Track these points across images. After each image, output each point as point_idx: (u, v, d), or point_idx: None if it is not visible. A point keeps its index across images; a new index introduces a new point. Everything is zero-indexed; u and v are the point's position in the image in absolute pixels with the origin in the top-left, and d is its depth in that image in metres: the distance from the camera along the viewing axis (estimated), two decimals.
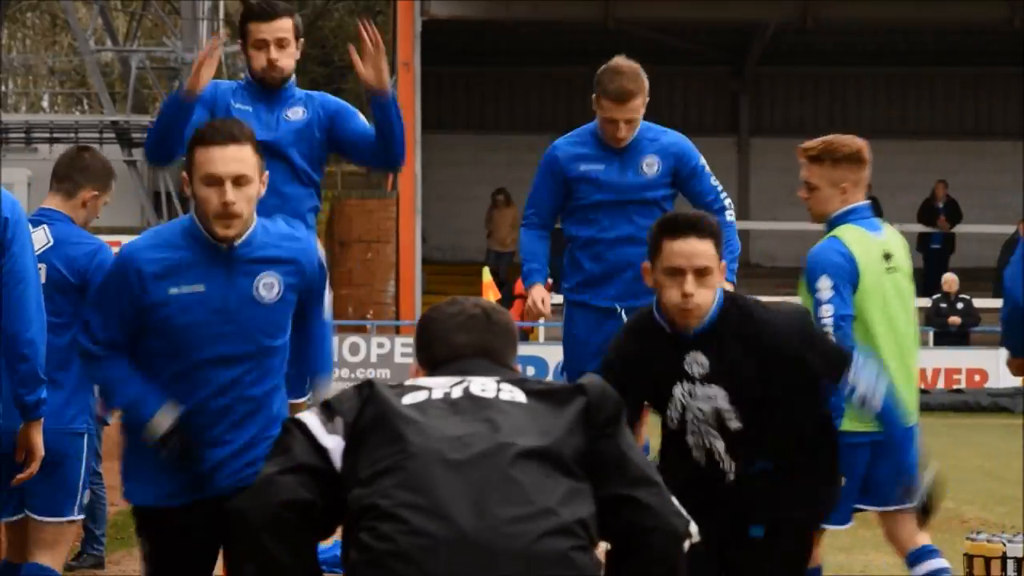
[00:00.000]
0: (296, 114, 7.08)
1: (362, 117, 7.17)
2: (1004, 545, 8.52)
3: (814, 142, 7.12)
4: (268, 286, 5.39)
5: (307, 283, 5.52)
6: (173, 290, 5.31)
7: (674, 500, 4.17)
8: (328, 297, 6.87)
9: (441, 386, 4.21)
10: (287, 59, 7.01)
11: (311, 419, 4.16)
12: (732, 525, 5.65)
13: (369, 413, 4.12)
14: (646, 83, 7.57)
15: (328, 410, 4.18)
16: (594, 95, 7.63)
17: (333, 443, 4.11)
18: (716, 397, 5.58)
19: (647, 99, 7.60)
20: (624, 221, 7.80)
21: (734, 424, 5.60)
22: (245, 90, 7.12)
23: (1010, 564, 8.53)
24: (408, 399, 4.17)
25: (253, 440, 5.39)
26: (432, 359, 4.40)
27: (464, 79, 29.97)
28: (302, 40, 7.10)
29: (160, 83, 35.83)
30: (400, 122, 7.00)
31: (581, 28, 28.05)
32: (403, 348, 23.87)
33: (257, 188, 5.32)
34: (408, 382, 4.30)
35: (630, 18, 27.16)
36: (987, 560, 8.50)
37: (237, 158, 5.24)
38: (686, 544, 4.13)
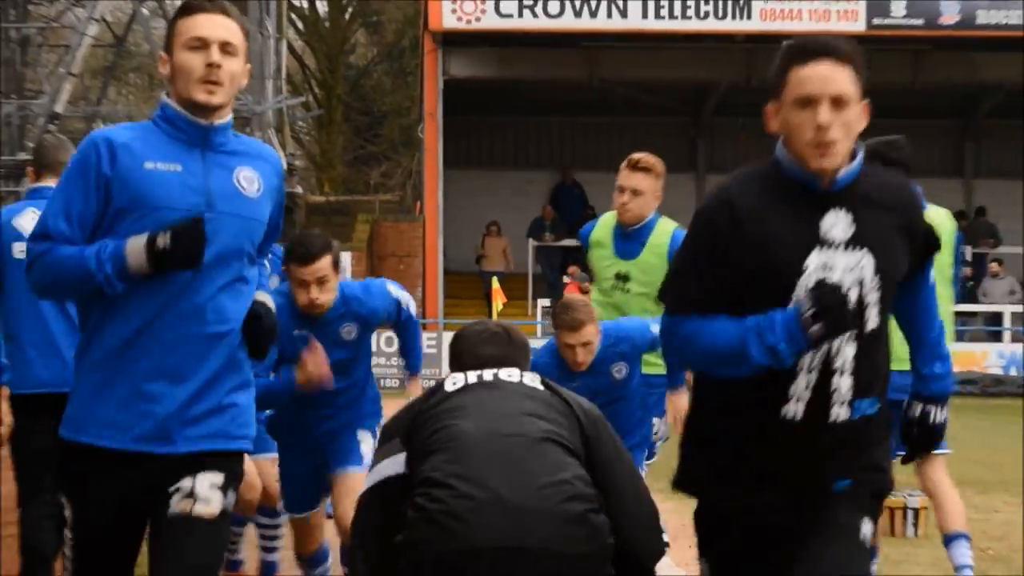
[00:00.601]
0: (349, 334, 6.14)
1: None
2: (905, 499, 8.64)
3: (642, 155, 6.90)
4: (248, 179, 3.98)
5: (281, 195, 4.14)
6: (148, 164, 3.85)
7: (653, 513, 4.17)
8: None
9: (474, 373, 4.33)
10: (327, 295, 5.95)
11: (378, 464, 4.20)
12: (813, 480, 3.65)
13: (418, 421, 4.21)
14: (594, 313, 6.77)
15: (384, 436, 4.26)
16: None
17: (401, 463, 4.14)
18: (862, 265, 3.57)
19: (599, 327, 6.69)
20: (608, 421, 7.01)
21: (873, 316, 3.59)
22: (299, 315, 5.99)
23: (909, 514, 8.67)
24: (449, 384, 4.28)
25: (216, 377, 3.88)
26: (462, 367, 4.49)
27: (478, 126, 30.01)
28: (340, 266, 6.06)
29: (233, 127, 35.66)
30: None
31: (571, 86, 28.08)
32: (428, 341, 23.88)
33: (243, 69, 3.95)
34: (445, 376, 4.40)
35: (610, 78, 27.25)
36: (891, 511, 8.62)
37: (226, 26, 3.93)
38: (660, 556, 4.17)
